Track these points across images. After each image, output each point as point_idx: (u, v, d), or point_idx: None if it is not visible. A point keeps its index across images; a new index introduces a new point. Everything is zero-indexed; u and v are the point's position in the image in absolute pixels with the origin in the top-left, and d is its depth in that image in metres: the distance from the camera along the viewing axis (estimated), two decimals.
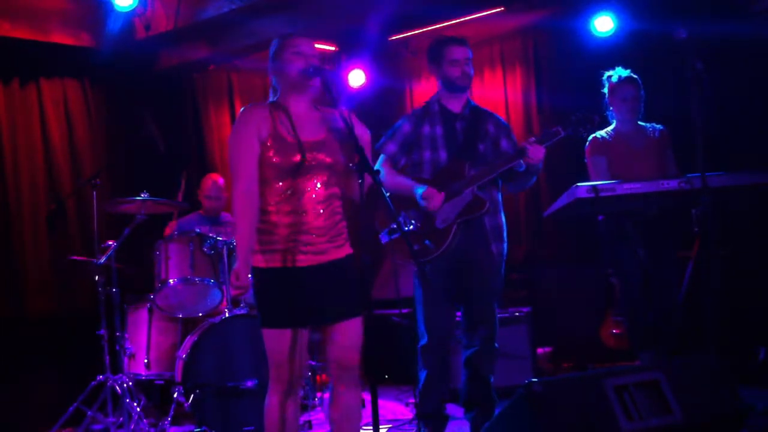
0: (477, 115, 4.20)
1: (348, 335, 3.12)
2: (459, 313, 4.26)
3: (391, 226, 4.07)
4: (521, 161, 3.94)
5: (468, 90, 4.22)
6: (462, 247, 4.05)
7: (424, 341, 4.14)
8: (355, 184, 3.03)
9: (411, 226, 4.02)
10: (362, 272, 3.16)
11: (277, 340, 3.07)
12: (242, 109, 3.21)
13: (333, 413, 3.20)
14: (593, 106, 4.77)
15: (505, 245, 4.18)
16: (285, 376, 3.09)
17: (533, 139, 3.99)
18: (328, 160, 3.11)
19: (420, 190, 3.99)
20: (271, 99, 3.24)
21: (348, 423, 3.17)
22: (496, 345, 4.19)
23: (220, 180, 5.98)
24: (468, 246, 4.07)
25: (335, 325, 3.12)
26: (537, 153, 3.91)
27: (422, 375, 4.15)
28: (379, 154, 4.19)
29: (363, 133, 3.19)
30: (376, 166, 4.16)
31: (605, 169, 4.69)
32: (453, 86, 4.15)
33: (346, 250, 3.17)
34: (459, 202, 4.02)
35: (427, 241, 3.98)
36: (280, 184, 3.09)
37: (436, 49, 4.19)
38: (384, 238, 4.08)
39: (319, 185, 3.10)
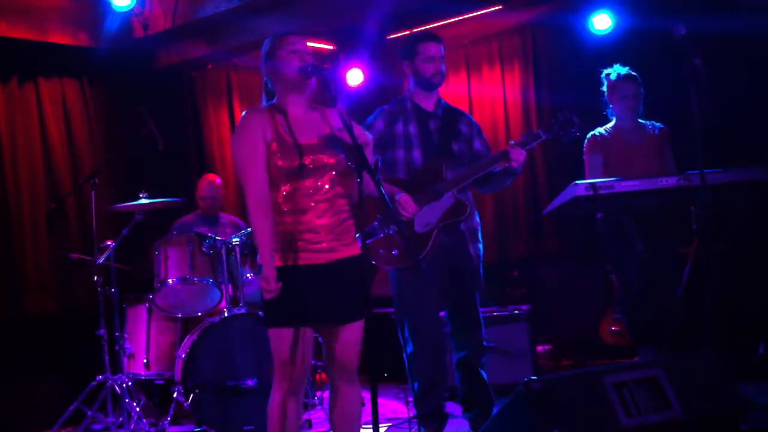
0: (450, 115, 4.16)
1: (350, 336, 3.12)
2: (442, 313, 4.23)
3: (366, 229, 4.02)
4: (498, 164, 3.93)
5: (439, 88, 4.16)
6: (442, 251, 4.00)
7: (410, 349, 4.08)
8: (354, 183, 3.02)
9: (388, 230, 3.93)
10: (365, 273, 3.15)
11: (281, 339, 3.06)
12: (243, 113, 3.18)
13: (333, 413, 3.20)
14: (592, 103, 4.79)
15: (481, 246, 4.15)
16: (289, 374, 3.08)
17: (513, 142, 3.98)
18: (330, 160, 3.10)
19: (396, 196, 3.91)
20: (265, 100, 3.22)
21: (348, 422, 3.18)
22: (485, 344, 4.18)
23: (217, 180, 5.98)
24: (448, 249, 4.03)
25: (338, 326, 3.12)
26: (518, 156, 3.89)
27: (415, 385, 4.10)
28: None
29: (361, 134, 3.19)
30: None
31: (601, 167, 4.69)
32: (427, 84, 4.10)
33: (354, 249, 3.15)
34: (440, 205, 3.97)
35: (407, 246, 3.92)
36: (285, 185, 3.08)
37: (410, 46, 4.13)
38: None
39: (323, 186, 3.09)
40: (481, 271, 4.16)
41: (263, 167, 3.07)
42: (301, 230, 3.06)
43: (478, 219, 4.17)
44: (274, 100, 3.19)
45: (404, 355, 4.10)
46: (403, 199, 3.87)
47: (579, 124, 4.01)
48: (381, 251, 3.96)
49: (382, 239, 3.94)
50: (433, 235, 3.96)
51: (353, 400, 3.18)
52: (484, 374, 4.17)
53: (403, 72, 4.20)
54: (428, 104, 4.15)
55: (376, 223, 3.94)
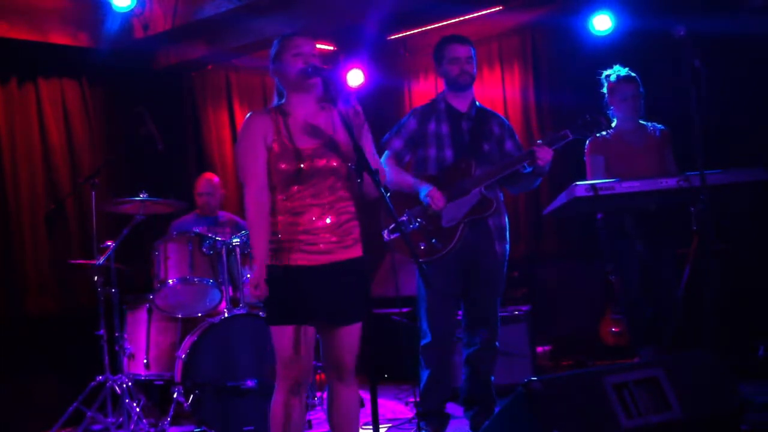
0: (482, 115, 4.22)
1: (347, 338, 3.13)
2: (459, 312, 4.27)
3: (395, 224, 4.07)
4: (526, 163, 3.97)
5: (471, 88, 4.23)
6: (467, 246, 4.05)
7: (427, 340, 4.14)
8: (355, 184, 3.03)
9: (416, 225, 4.02)
10: (367, 276, 3.16)
11: (283, 338, 3.06)
12: (247, 116, 3.20)
13: (331, 414, 3.20)
14: (592, 104, 4.78)
15: (508, 245, 4.20)
16: (292, 374, 3.08)
17: (540, 141, 4.01)
18: (331, 164, 3.10)
19: (424, 191, 4.00)
20: (276, 101, 3.23)
21: (346, 422, 3.18)
22: (497, 344, 4.20)
23: (215, 178, 5.98)
24: (473, 246, 4.08)
25: (336, 327, 3.12)
26: (545, 155, 3.93)
27: (424, 374, 4.15)
28: (383, 150, 4.19)
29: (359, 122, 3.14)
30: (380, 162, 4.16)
31: (602, 168, 4.69)
32: (454, 84, 4.17)
33: (356, 251, 3.15)
34: (466, 201, 4.03)
35: (434, 240, 3.99)
36: (286, 188, 3.09)
37: (438, 48, 4.23)
38: (386, 236, 4.07)
39: (324, 188, 3.10)
40: (505, 269, 4.20)
41: (263, 170, 3.10)
42: (300, 231, 3.07)
43: (506, 219, 4.21)
44: (282, 101, 3.21)
45: (420, 345, 4.16)
46: (432, 192, 3.96)
47: (606, 124, 4.04)
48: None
49: (410, 233, 4.02)
50: (459, 229, 4.01)
51: (351, 401, 3.19)
52: (491, 376, 4.19)
53: (438, 74, 4.30)
54: (461, 105, 4.20)
55: (404, 217, 4.00)
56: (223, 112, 7.09)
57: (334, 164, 3.10)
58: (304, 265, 3.07)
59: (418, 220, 4.02)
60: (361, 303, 3.12)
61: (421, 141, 4.17)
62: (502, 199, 4.21)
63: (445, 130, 4.15)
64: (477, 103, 4.27)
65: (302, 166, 3.06)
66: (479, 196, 4.03)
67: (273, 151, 3.09)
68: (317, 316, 3.09)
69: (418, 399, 4.15)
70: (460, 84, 4.16)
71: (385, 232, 4.07)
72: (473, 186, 4.03)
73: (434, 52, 4.26)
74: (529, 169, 4.02)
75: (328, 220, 3.09)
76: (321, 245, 3.08)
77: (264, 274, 3.07)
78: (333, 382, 3.20)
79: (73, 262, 5.31)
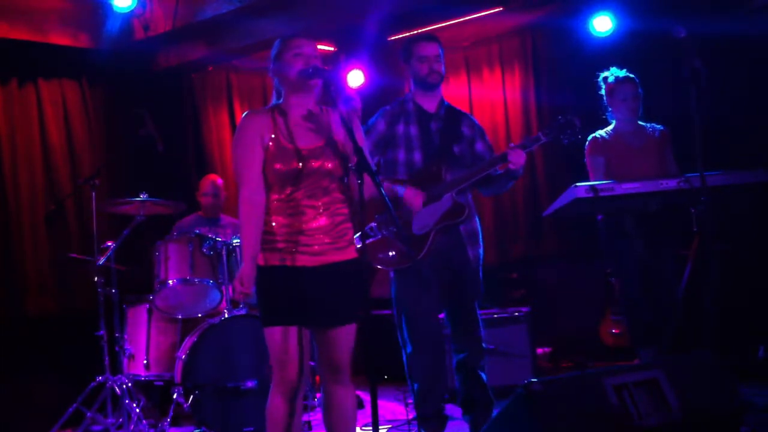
0: (452, 116, 4.16)
1: (342, 339, 3.12)
2: (441, 315, 4.23)
3: (364, 230, 4.03)
4: (497, 167, 3.93)
5: (439, 88, 4.16)
6: (440, 254, 3.99)
7: (409, 350, 4.08)
8: (354, 185, 3.02)
9: (385, 232, 3.93)
10: (364, 277, 3.15)
11: (277, 339, 3.06)
12: (244, 114, 3.20)
13: (328, 415, 3.19)
14: (593, 105, 4.79)
15: (481, 249, 4.14)
16: (287, 376, 3.07)
17: (513, 144, 3.97)
18: (328, 165, 3.10)
19: (401, 191, 3.94)
20: (274, 101, 3.23)
21: (343, 424, 3.16)
22: (485, 345, 4.17)
23: (219, 180, 5.99)
24: (445, 253, 4.02)
25: (330, 328, 3.11)
26: (518, 158, 3.88)
27: (414, 386, 4.09)
28: None
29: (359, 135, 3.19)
30: None
31: (603, 169, 4.69)
32: (423, 83, 4.11)
33: (350, 253, 3.15)
34: (438, 207, 3.97)
35: (405, 248, 3.91)
36: (282, 188, 3.09)
37: (407, 47, 4.16)
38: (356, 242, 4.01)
39: (320, 189, 3.10)
40: (480, 274, 4.16)
41: (258, 169, 3.10)
42: (294, 232, 3.07)
43: (478, 222, 4.17)
44: (280, 101, 3.20)
45: (403, 356, 4.10)
46: (409, 193, 3.90)
47: (580, 126, 4.00)
48: (379, 252, 3.97)
49: (380, 240, 3.95)
50: (430, 237, 3.96)
51: (347, 402, 3.17)
52: (484, 376, 4.17)
53: (405, 74, 4.22)
54: (430, 105, 4.14)
55: (374, 224, 3.95)
56: (223, 113, 7.08)
57: (329, 166, 3.10)
58: (298, 266, 3.06)
59: (390, 227, 3.92)
60: (355, 304, 3.11)
61: (390, 143, 4.10)
62: (471, 202, 4.14)
63: (414, 131, 4.09)
64: (445, 102, 4.20)
65: (302, 165, 3.06)
66: (451, 201, 3.97)
67: (269, 151, 3.08)
68: (311, 317, 3.08)
69: (414, 407, 4.12)
70: (429, 83, 4.09)
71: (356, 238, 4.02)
72: (445, 191, 3.96)
73: (402, 52, 4.18)
74: (499, 172, 3.97)
75: (323, 222, 3.09)
76: (315, 246, 3.07)
77: (252, 271, 3.06)
78: (328, 384, 3.19)
79: (73, 256, 5.32)
